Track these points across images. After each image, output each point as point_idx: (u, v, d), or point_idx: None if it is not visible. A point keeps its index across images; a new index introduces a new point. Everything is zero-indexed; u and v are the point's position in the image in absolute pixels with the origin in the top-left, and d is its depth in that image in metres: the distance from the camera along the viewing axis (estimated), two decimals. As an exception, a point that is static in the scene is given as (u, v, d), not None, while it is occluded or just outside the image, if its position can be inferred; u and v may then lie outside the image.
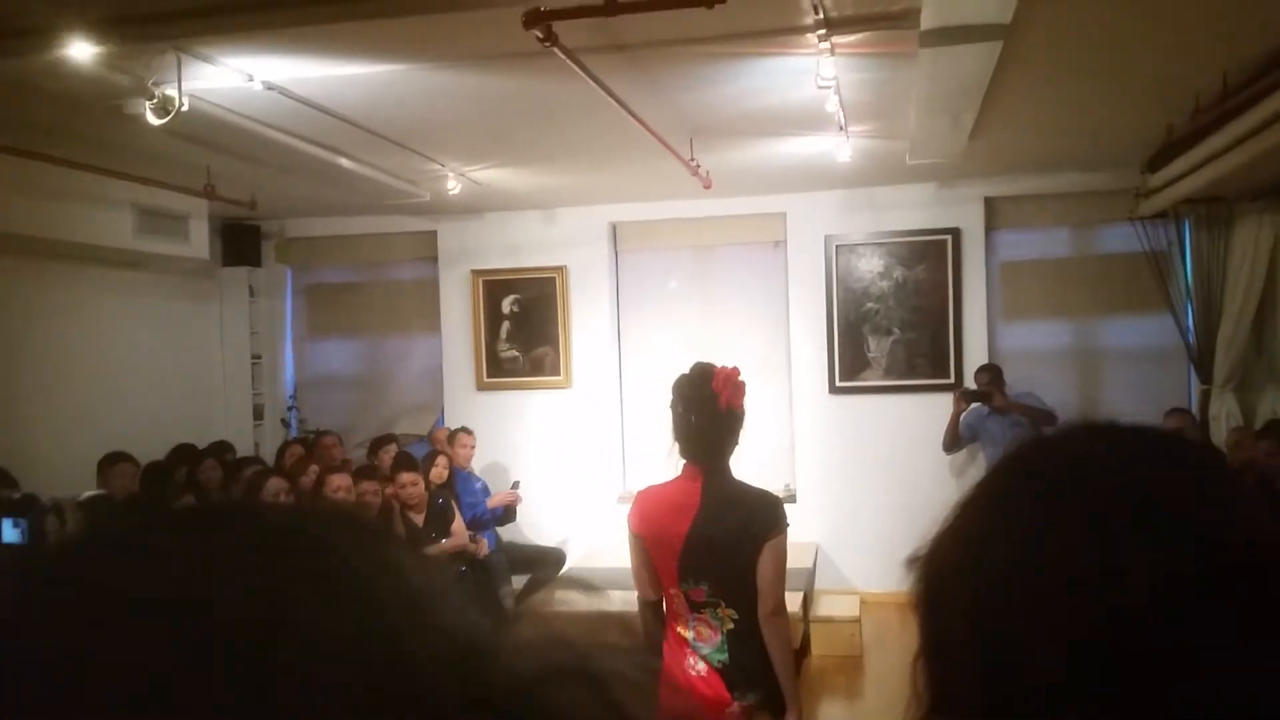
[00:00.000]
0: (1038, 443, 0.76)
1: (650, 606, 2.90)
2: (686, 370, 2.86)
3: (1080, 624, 0.63)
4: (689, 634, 2.82)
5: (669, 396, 2.84)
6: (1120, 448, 0.71)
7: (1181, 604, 0.62)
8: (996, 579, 0.68)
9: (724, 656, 2.79)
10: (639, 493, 2.99)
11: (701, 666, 2.79)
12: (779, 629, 2.78)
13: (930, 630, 0.72)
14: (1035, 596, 0.65)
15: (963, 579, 0.70)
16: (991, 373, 6.77)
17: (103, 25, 2.80)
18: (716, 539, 2.74)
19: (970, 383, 6.91)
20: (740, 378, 2.83)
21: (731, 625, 2.79)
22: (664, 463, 2.95)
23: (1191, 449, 0.73)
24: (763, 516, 2.78)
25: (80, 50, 3.14)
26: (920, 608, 0.73)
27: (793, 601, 5.76)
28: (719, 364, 2.85)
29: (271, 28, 3.24)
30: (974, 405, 6.73)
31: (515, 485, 7.12)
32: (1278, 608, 0.63)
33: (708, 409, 2.77)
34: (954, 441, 6.91)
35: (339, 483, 5.31)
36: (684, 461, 2.83)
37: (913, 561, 0.74)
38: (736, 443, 2.83)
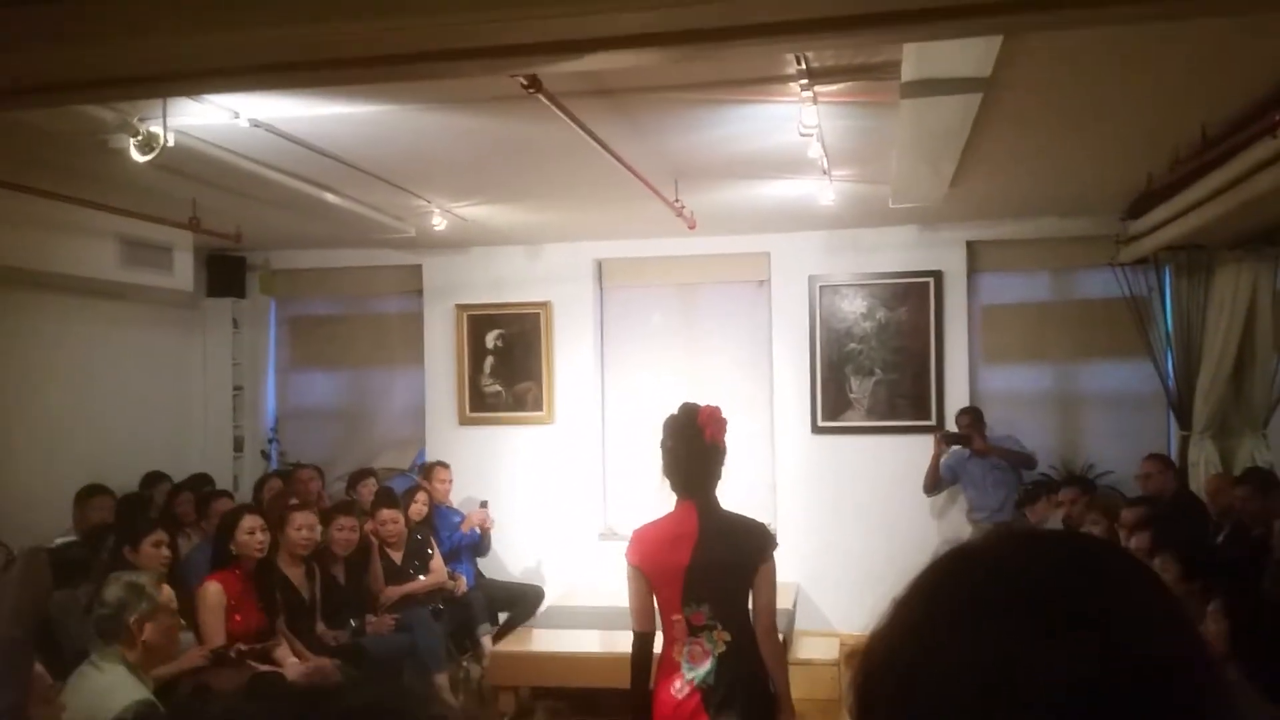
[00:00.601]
0: (964, 551, 0.78)
1: (643, 638, 3.10)
2: (675, 410, 3.16)
3: None
4: (681, 657, 3.07)
5: (659, 435, 3.13)
6: (1041, 560, 0.73)
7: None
8: (917, 688, 0.70)
9: (710, 679, 3.04)
10: (635, 531, 3.20)
11: (685, 689, 3.05)
12: (776, 644, 3.12)
13: None
14: (951, 708, 0.66)
15: (888, 685, 0.72)
16: (972, 415, 6.80)
17: (95, 85, 2.81)
18: (716, 564, 3.03)
19: (951, 425, 6.94)
20: (722, 415, 3.14)
21: (724, 648, 3.05)
22: (654, 497, 3.25)
23: (1112, 559, 0.74)
24: (756, 542, 3.11)
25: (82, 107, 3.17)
26: (855, 707, 0.74)
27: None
28: (703, 403, 3.16)
29: (268, 89, 3.26)
30: (954, 448, 6.76)
31: (484, 505, 7.06)
32: None
33: (695, 444, 3.07)
34: (935, 484, 6.93)
35: (302, 521, 5.26)
36: (676, 497, 3.12)
37: (851, 657, 0.76)
38: (720, 475, 3.13)
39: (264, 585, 4.87)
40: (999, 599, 0.69)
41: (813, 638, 6.74)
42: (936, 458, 6.86)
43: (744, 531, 3.12)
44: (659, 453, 3.13)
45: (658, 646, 3.14)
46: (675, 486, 3.11)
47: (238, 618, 4.66)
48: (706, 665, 3.04)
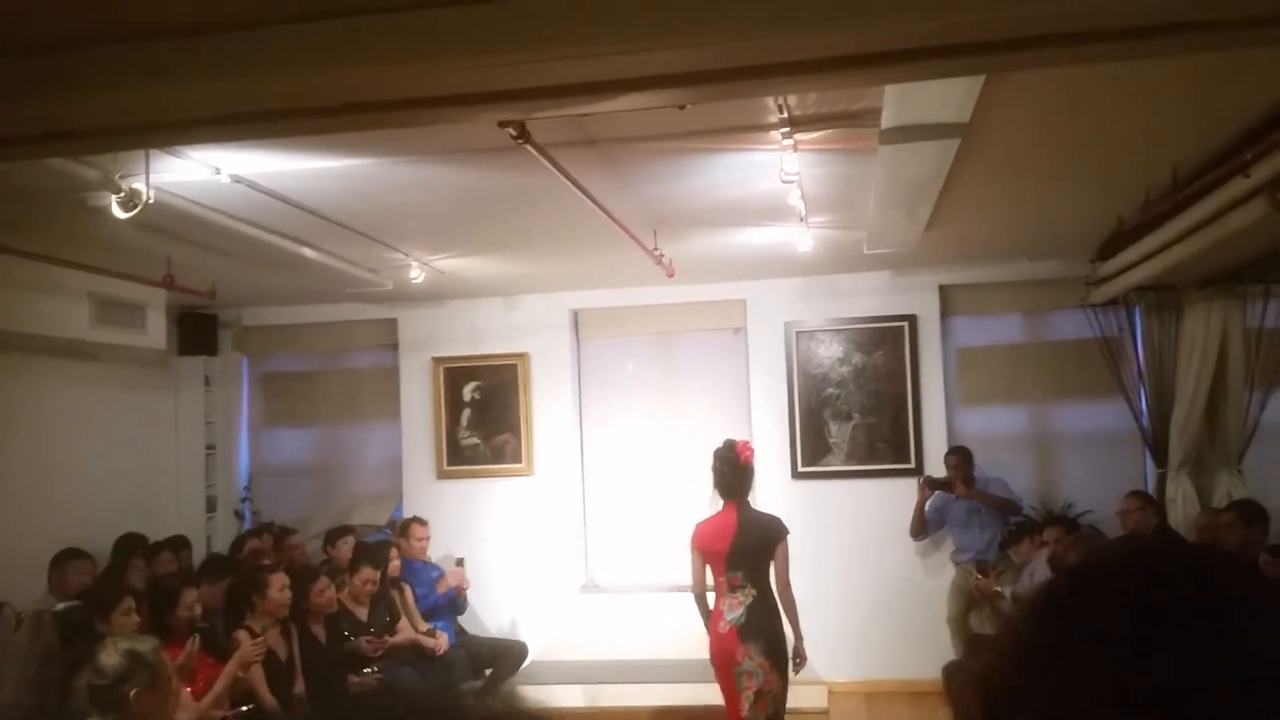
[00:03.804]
0: (1089, 563, 0.77)
1: (699, 595, 4.81)
2: (720, 445, 4.81)
3: None
4: (725, 605, 4.65)
5: (711, 462, 4.78)
6: (1167, 571, 0.72)
7: None
8: (1051, 707, 0.69)
9: (742, 620, 4.59)
10: (697, 524, 4.80)
11: (727, 627, 4.61)
12: (789, 596, 4.70)
13: None
14: None
15: (1019, 705, 0.71)
16: (960, 455, 6.82)
17: (78, 136, 2.79)
18: (747, 546, 4.65)
19: (934, 467, 6.96)
20: (751, 446, 4.84)
21: (751, 600, 4.62)
22: (709, 504, 4.86)
23: (1233, 569, 0.74)
24: (774, 531, 4.71)
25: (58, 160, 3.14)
26: None
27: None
28: (737, 439, 4.88)
29: (250, 139, 3.25)
30: (938, 492, 6.79)
31: (459, 563, 6.94)
32: None
33: (735, 465, 4.73)
34: (921, 529, 6.94)
35: (281, 582, 5.18)
36: (722, 500, 4.75)
37: (958, 687, 0.75)
38: (751, 486, 4.80)
39: (213, 646, 4.82)
40: (1129, 615, 0.68)
41: (799, 686, 6.65)
42: (921, 503, 6.86)
43: (766, 524, 4.73)
44: (710, 473, 4.77)
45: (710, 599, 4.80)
46: (722, 494, 4.75)
47: (199, 683, 4.54)
48: (739, 611, 4.61)
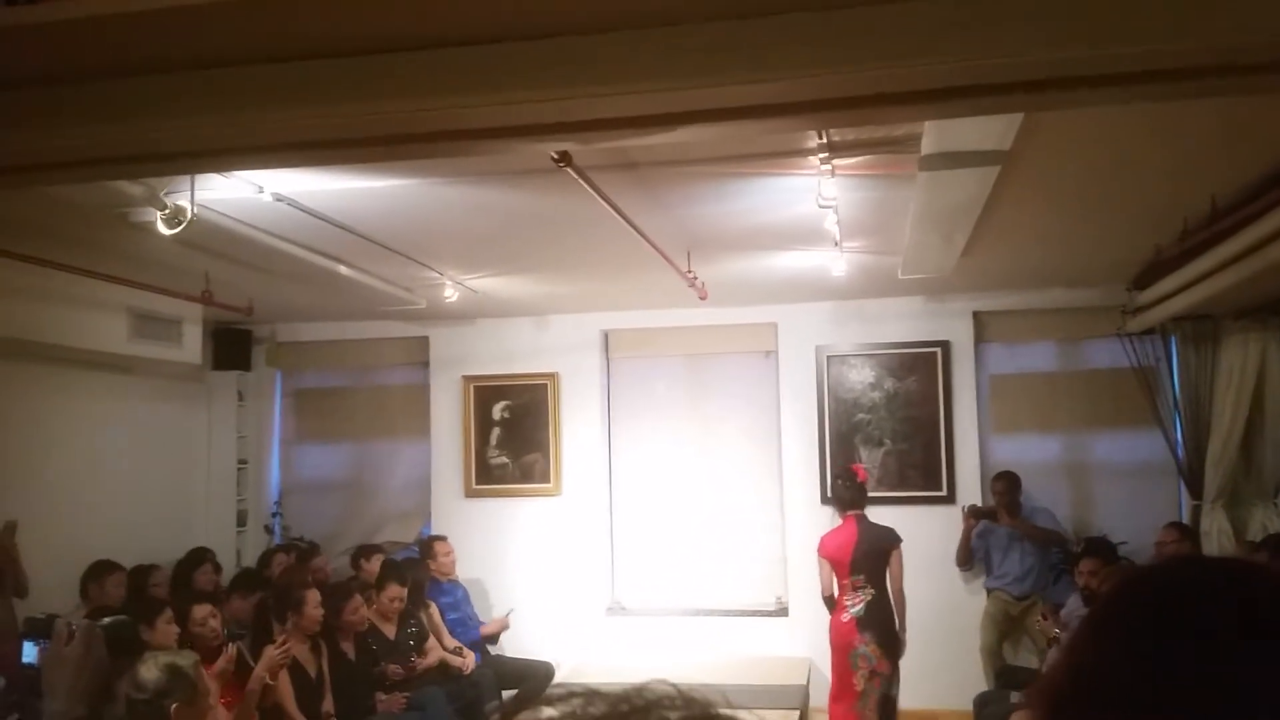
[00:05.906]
0: (1141, 577, 0.80)
1: (829, 596, 5.68)
2: (837, 468, 6.26)
3: None
4: (848, 601, 5.56)
5: (831, 482, 6.24)
6: (1211, 580, 0.76)
7: None
8: (1111, 710, 0.72)
9: (862, 614, 5.52)
10: (823, 536, 5.81)
11: (848, 616, 5.54)
12: (901, 597, 5.62)
13: None
14: None
15: (1078, 712, 0.74)
16: (1006, 480, 6.76)
17: (128, 161, 2.83)
18: (867, 553, 5.56)
19: (966, 494, 6.91)
20: (864, 468, 6.25)
21: (870, 597, 5.53)
22: (831, 519, 6.23)
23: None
24: (889, 539, 5.65)
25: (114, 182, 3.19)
26: None
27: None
28: (845, 464, 6.42)
29: (308, 166, 3.28)
30: (983, 521, 6.75)
31: (509, 614, 7.06)
32: None
33: (853, 482, 5.76)
34: (967, 558, 6.89)
35: (317, 599, 5.22)
36: (841, 516, 5.78)
37: (985, 706, 0.79)
38: (867, 502, 5.80)
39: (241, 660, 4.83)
40: (1179, 622, 0.72)
41: (826, 714, 6.61)
42: (967, 533, 6.81)
43: (882, 534, 5.63)
44: (830, 492, 6.09)
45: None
46: (842, 508, 5.78)
47: (225, 699, 4.55)
48: (860, 606, 5.51)
